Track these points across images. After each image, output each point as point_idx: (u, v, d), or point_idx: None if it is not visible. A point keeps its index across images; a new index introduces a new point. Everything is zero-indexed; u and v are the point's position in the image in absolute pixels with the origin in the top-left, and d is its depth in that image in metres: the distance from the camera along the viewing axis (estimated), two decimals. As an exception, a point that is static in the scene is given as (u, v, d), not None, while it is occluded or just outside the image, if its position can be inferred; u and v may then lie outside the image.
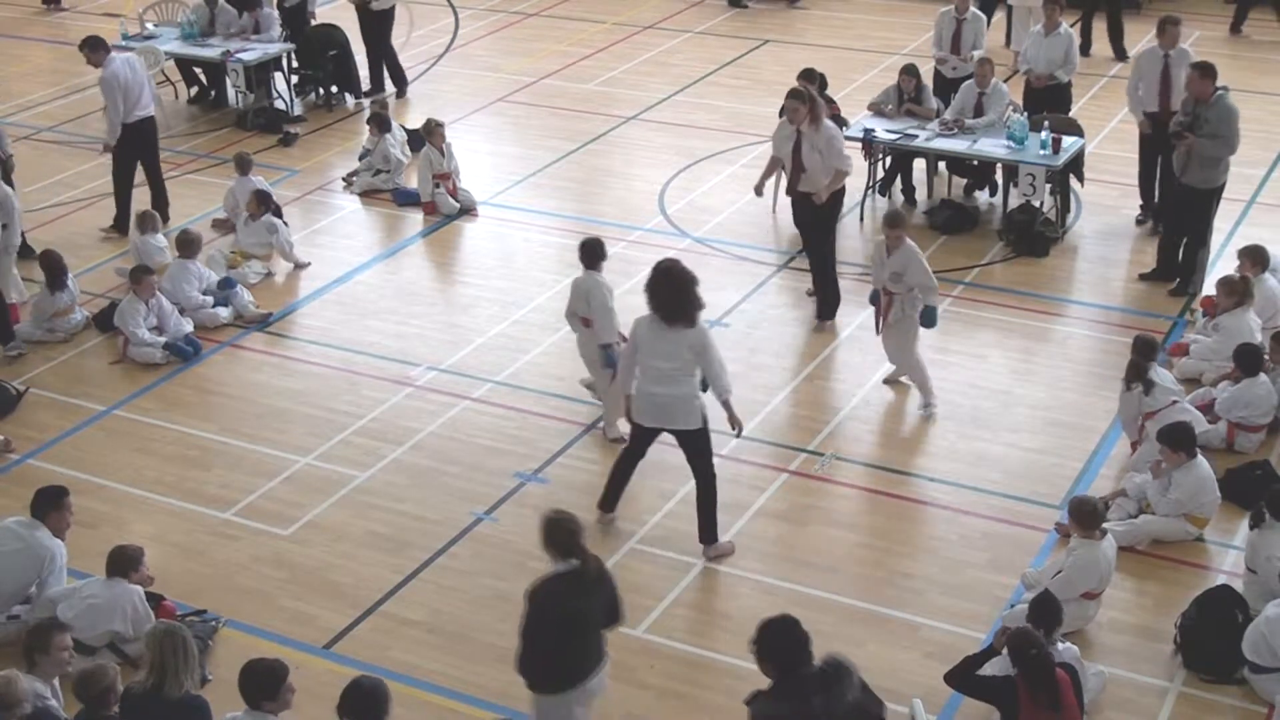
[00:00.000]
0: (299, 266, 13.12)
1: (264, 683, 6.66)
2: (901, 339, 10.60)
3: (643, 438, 9.16)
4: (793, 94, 11.32)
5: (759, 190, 12.12)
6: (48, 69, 18.94)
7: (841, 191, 11.68)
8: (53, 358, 11.73)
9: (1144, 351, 9.77)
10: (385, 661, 8.31)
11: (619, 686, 8.04)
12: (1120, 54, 18.07)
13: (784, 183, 13.74)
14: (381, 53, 17.29)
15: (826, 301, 11.97)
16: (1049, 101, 14.26)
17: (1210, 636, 8.10)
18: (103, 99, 13.91)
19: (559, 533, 6.98)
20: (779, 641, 6.27)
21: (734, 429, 9.00)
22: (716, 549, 9.18)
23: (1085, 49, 18.08)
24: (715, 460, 10.08)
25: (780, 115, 11.85)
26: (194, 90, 17.48)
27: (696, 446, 8.99)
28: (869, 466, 10.04)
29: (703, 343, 8.70)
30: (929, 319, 10.45)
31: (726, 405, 8.88)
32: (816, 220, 11.73)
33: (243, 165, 13.80)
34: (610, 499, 9.42)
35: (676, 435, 8.97)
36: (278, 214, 13.18)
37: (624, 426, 9.69)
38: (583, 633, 6.96)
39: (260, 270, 12.96)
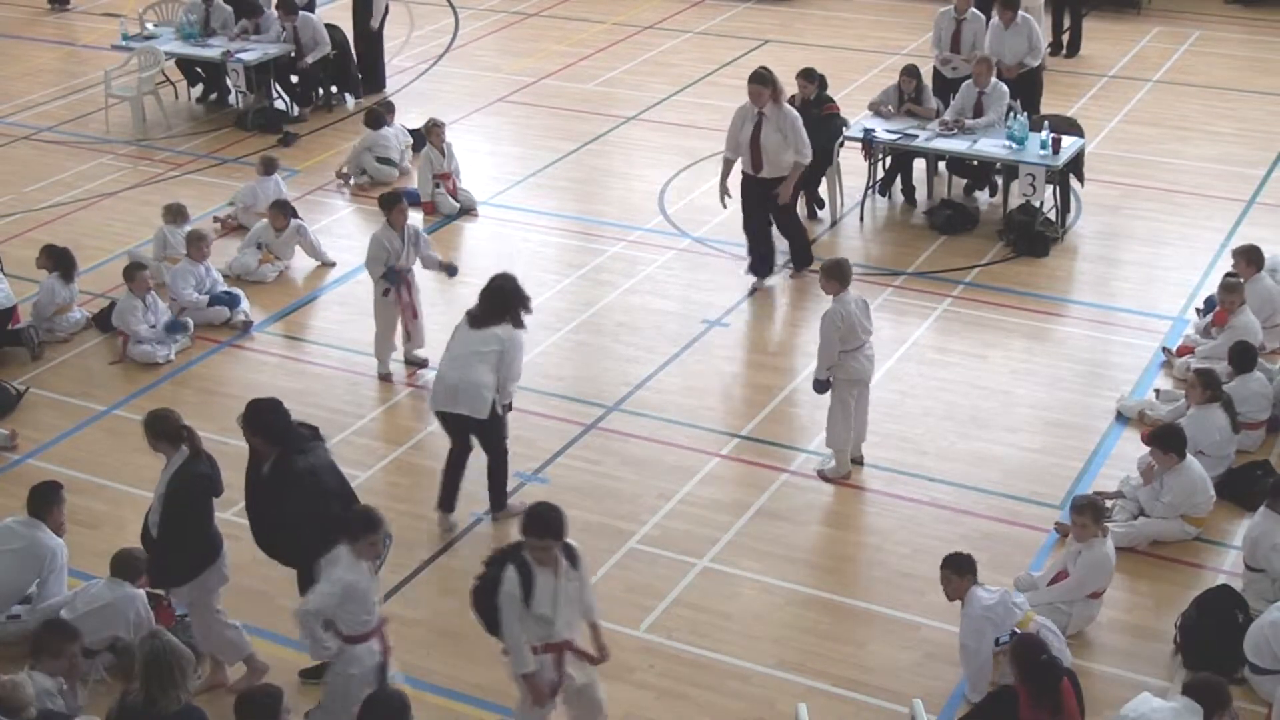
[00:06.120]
0: (326, 265, 13.17)
1: (262, 713, 6.60)
2: (832, 400, 9.81)
3: (446, 427, 9.37)
4: (755, 78, 11.69)
5: (725, 195, 12.24)
6: (49, 69, 18.93)
7: (795, 194, 12.25)
8: (53, 358, 11.73)
9: (1213, 384, 9.70)
10: (385, 661, 8.31)
11: (618, 686, 8.05)
12: (1072, 49, 18.08)
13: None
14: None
15: (799, 252, 12.47)
16: (1021, 89, 14.35)
17: (1210, 636, 8.10)
18: None
19: (165, 424, 7.71)
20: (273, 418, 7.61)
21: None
22: (507, 511, 9.48)
23: (1075, 48, 18.11)
24: (716, 459, 10.08)
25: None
26: (200, 87, 17.49)
27: (484, 432, 9.22)
28: (869, 466, 10.03)
29: (513, 342, 9.05)
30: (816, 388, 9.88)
31: (507, 407, 9.30)
32: (780, 213, 12.18)
33: (268, 166, 13.85)
34: (446, 498, 9.56)
35: (468, 422, 9.13)
36: (295, 214, 13.21)
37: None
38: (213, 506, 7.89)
39: (279, 267, 13.03)
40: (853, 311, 9.56)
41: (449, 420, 9.23)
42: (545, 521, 6.89)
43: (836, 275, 9.64)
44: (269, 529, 7.80)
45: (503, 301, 9.11)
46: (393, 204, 10.98)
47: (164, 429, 7.76)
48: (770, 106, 11.64)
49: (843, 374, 9.64)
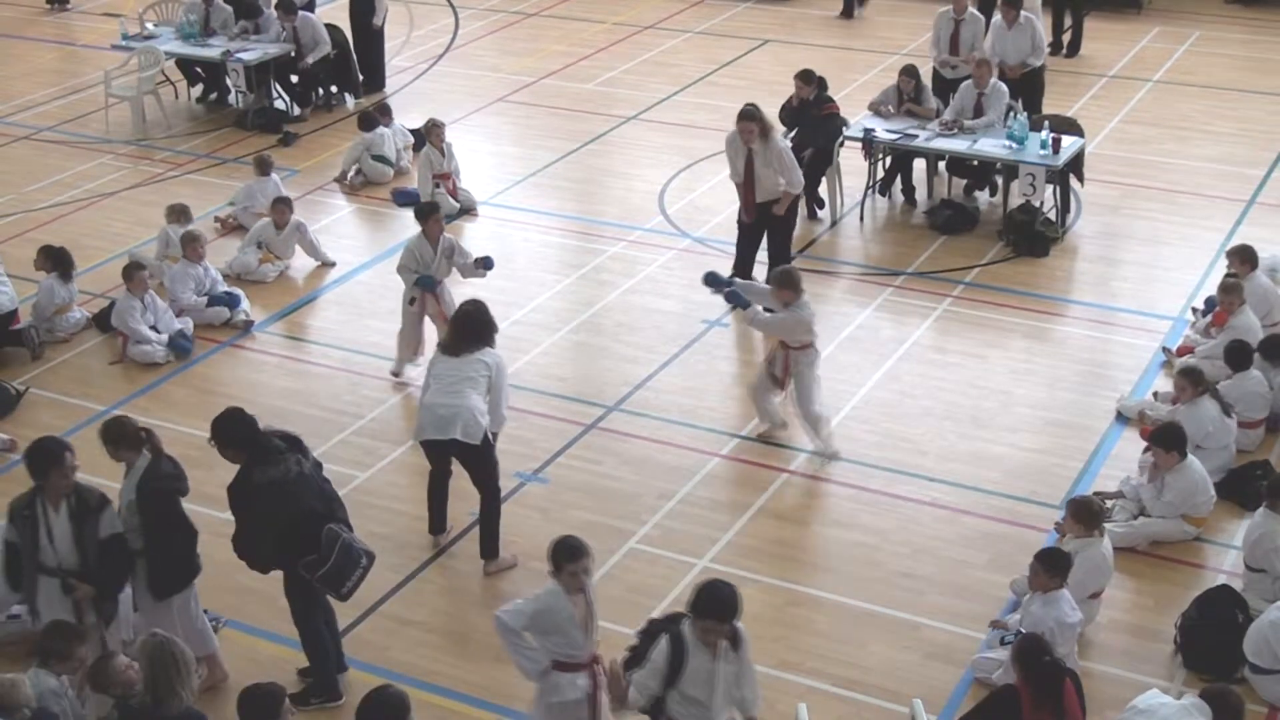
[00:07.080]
0: (326, 265, 13.15)
1: (263, 710, 6.53)
2: (802, 392, 10.04)
3: (432, 456, 9.08)
4: (744, 115, 11.55)
5: (744, 216, 12.13)
6: (49, 69, 18.94)
7: (794, 203, 12.06)
8: (53, 358, 11.73)
9: (1200, 380, 9.69)
10: (385, 661, 8.31)
11: (619, 686, 8.05)
12: (1072, 49, 18.10)
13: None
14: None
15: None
16: (1024, 88, 14.38)
17: (1210, 636, 8.11)
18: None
19: (121, 431, 7.62)
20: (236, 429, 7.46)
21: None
22: (498, 564, 9.08)
23: (1075, 48, 18.12)
24: (716, 459, 10.07)
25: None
26: (200, 87, 17.50)
27: (477, 461, 8.89)
28: (869, 466, 10.03)
29: (500, 366, 8.94)
30: None
31: (494, 436, 8.96)
32: (776, 226, 11.99)
33: (263, 166, 13.85)
34: (436, 522, 9.38)
35: (458, 449, 8.79)
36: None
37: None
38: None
39: (279, 267, 13.02)
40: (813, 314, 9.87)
41: (437, 448, 8.94)
42: (724, 603, 6.32)
43: (790, 284, 9.77)
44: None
45: (473, 328, 8.98)
46: (428, 214, 10.85)
47: (123, 435, 7.64)
48: (758, 143, 11.50)
49: (809, 367, 9.93)
